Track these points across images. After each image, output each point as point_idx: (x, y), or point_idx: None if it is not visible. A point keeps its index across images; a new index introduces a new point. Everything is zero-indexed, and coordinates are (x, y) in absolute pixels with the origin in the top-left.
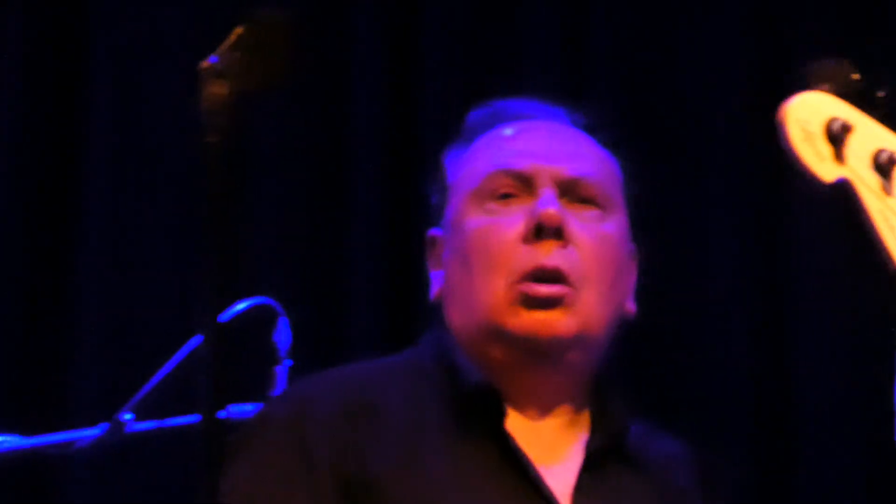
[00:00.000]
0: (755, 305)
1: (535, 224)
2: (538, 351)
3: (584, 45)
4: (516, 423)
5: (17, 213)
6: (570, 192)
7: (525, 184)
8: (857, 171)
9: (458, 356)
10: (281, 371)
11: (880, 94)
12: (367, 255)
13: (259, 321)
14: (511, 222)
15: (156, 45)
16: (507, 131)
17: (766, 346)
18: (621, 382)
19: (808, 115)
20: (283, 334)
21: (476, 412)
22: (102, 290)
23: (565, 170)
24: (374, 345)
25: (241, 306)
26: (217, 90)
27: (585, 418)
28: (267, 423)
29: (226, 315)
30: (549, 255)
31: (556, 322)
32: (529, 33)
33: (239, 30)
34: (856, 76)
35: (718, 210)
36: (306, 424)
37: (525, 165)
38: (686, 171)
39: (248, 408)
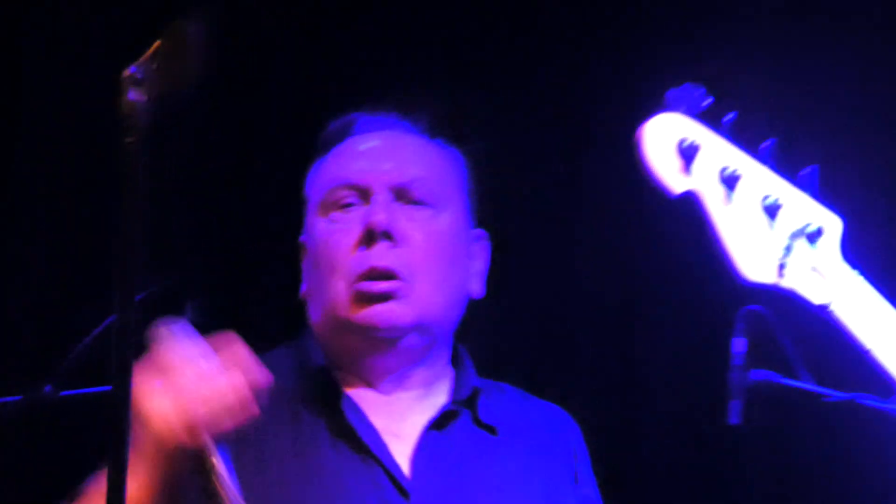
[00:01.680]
0: (612, 298)
1: (365, 230)
2: (378, 338)
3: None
4: (369, 399)
5: None
6: (403, 195)
7: (362, 193)
8: (704, 183)
9: (311, 346)
10: None
11: (727, 117)
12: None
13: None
14: (349, 230)
15: (81, 52)
16: (350, 145)
17: (619, 333)
18: (481, 353)
19: (662, 134)
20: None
21: (318, 392)
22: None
23: (396, 176)
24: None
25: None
26: (136, 97)
27: (446, 388)
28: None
29: (140, 295)
30: (380, 256)
31: (391, 312)
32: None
33: (157, 43)
34: (707, 100)
35: (586, 211)
36: None
37: (360, 177)
38: (562, 172)
39: None
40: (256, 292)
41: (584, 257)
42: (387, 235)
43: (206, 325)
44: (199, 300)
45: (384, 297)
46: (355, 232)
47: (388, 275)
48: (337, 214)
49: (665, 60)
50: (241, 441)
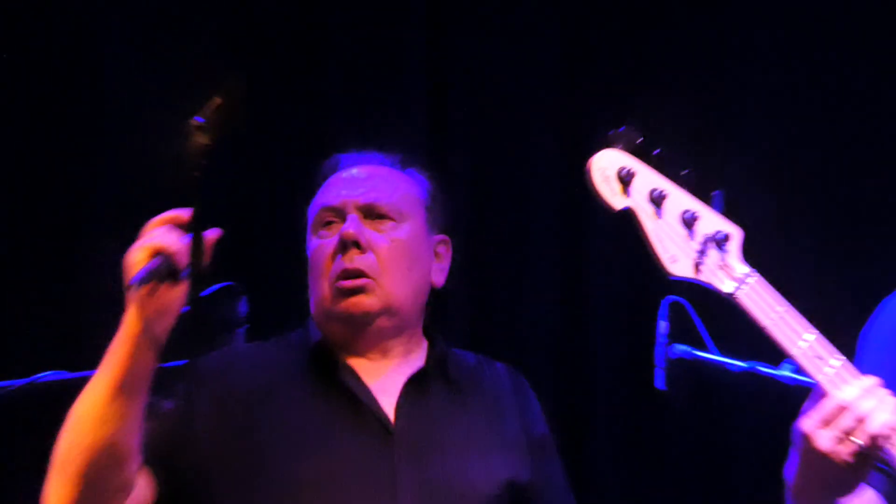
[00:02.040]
0: (564, 283)
1: (339, 241)
2: (355, 322)
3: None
4: (362, 367)
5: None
6: (370, 212)
7: (339, 213)
8: (638, 202)
9: (311, 328)
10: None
11: (655, 152)
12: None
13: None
14: (330, 243)
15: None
16: (334, 178)
17: (573, 317)
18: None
19: (606, 164)
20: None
21: (320, 361)
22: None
23: (363, 198)
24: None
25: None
26: (200, 140)
27: (421, 355)
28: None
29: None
30: (351, 261)
31: (361, 303)
32: None
33: (218, 100)
34: (640, 139)
35: (538, 221)
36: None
37: (337, 201)
38: (516, 202)
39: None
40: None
41: (545, 268)
42: (356, 244)
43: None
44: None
45: (356, 291)
46: (333, 243)
47: (357, 274)
48: (323, 232)
49: (609, 109)
50: (266, 396)
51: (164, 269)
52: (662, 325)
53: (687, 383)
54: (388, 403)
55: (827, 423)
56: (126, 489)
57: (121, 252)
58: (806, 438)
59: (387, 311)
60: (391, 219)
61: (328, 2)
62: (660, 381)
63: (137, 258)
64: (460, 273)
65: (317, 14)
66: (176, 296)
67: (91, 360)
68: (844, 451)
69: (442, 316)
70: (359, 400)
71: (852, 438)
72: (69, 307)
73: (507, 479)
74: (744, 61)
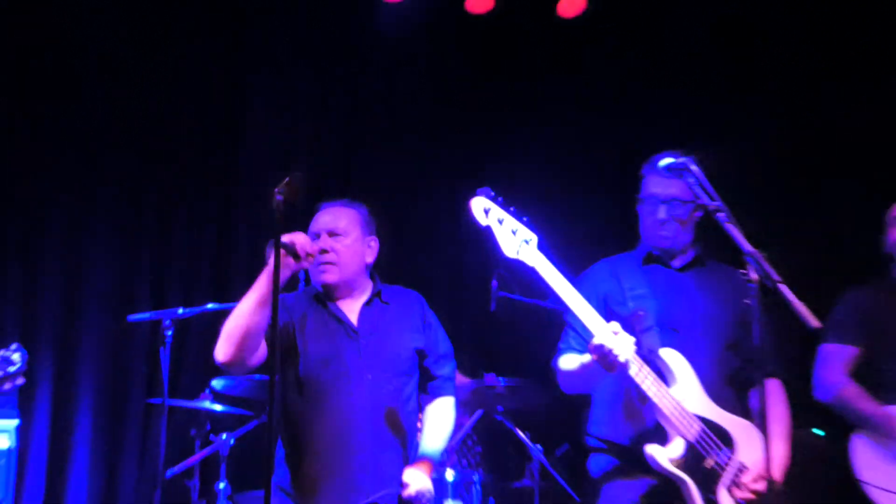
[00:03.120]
0: (445, 266)
1: (319, 250)
2: (328, 286)
3: None
4: (345, 304)
5: None
6: (332, 232)
7: (316, 234)
8: (493, 224)
9: (317, 287)
10: None
11: (499, 199)
12: None
13: None
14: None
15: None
16: (317, 214)
17: (453, 283)
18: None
19: (479, 204)
20: None
21: (321, 301)
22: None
23: (326, 225)
24: None
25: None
26: (280, 201)
27: (368, 291)
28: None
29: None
30: (324, 256)
31: (328, 276)
32: None
33: (287, 180)
34: (495, 195)
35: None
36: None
37: (313, 227)
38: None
39: None
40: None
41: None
42: (324, 251)
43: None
44: None
45: (325, 271)
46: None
47: (330, 261)
48: (314, 240)
49: (481, 175)
50: (302, 316)
51: (292, 250)
52: (494, 283)
53: (509, 311)
54: (353, 317)
55: (599, 354)
56: (257, 350)
57: (256, 226)
58: (588, 363)
59: (342, 279)
60: (339, 234)
61: None
62: (492, 306)
63: (285, 240)
64: (383, 250)
65: None
66: (292, 263)
67: (236, 295)
68: (605, 364)
69: (378, 270)
70: (339, 317)
71: (609, 361)
72: (223, 261)
73: (414, 347)
74: None
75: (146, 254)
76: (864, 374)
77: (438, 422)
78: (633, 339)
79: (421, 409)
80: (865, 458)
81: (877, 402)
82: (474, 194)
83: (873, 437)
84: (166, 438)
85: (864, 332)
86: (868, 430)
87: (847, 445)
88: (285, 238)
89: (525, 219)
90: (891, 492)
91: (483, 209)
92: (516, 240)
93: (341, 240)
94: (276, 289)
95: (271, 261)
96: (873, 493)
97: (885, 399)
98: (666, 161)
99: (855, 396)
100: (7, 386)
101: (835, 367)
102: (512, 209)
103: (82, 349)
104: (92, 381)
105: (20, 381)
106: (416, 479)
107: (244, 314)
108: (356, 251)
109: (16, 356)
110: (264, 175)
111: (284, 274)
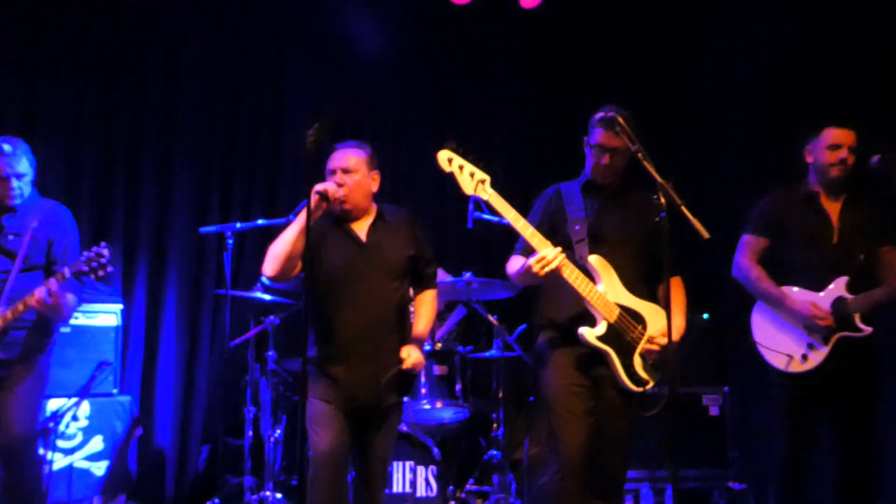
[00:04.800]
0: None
1: (335, 181)
2: (344, 210)
3: None
4: (357, 224)
5: None
6: (346, 170)
7: (333, 171)
8: (456, 171)
9: (336, 211)
10: None
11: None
12: None
13: None
14: (332, 182)
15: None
16: (332, 154)
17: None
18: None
19: (445, 155)
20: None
21: (338, 221)
22: None
23: (339, 164)
24: None
25: None
26: (311, 142)
27: (374, 213)
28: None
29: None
30: (341, 188)
31: (344, 204)
32: None
33: (317, 125)
34: (458, 146)
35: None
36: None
37: (332, 165)
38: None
39: None
40: None
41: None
42: (341, 184)
43: None
44: None
45: (342, 202)
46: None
47: (344, 193)
48: (331, 177)
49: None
50: (323, 234)
51: (324, 196)
52: (470, 206)
53: (479, 225)
54: (363, 234)
55: (537, 262)
56: (294, 267)
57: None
58: (529, 266)
59: (354, 205)
60: (351, 172)
61: None
62: (469, 224)
63: (319, 188)
64: (386, 182)
65: None
66: (325, 205)
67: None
68: (542, 272)
69: (382, 196)
70: (352, 234)
71: (545, 268)
72: (272, 186)
73: (407, 254)
74: None
75: (216, 178)
76: (771, 260)
77: (425, 308)
78: (560, 250)
79: (412, 299)
80: (760, 325)
81: (775, 283)
82: (441, 148)
83: (769, 309)
84: (230, 319)
85: (772, 228)
86: (767, 304)
87: (749, 318)
88: (319, 187)
89: (481, 164)
90: (774, 350)
91: (447, 159)
92: (473, 180)
93: (352, 176)
94: (308, 224)
95: (311, 200)
96: (762, 351)
97: (785, 280)
98: (604, 115)
99: (758, 277)
100: (101, 273)
101: (746, 253)
102: (470, 157)
103: (169, 252)
104: (176, 276)
105: (110, 269)
106: (412, 355)
107: (287, 241)
108: (363, 184)
109: (105, 251)
110: (302, 120)
111: (317, 214)
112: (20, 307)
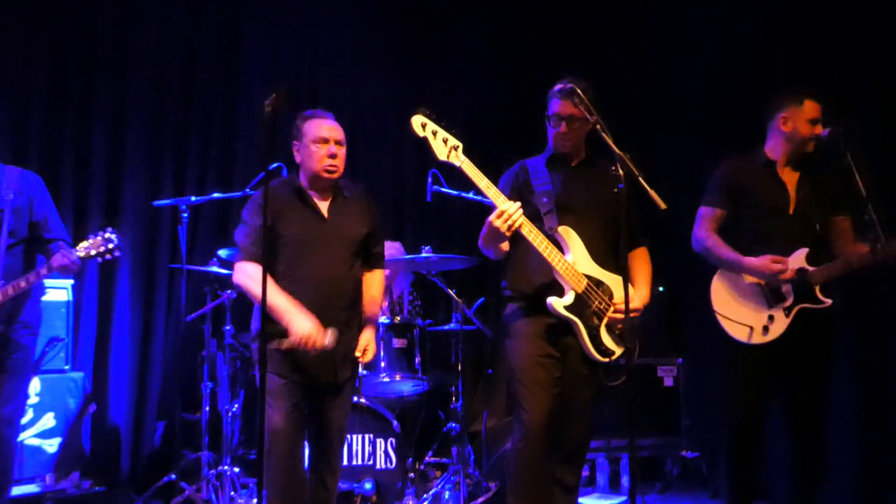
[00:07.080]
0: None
1: (329, 152)
2: (320, 181)
3: None
4: (318, 198)
5: None
6: (339, 142)
7: (325, 140)
8: (430, 135)
9: (301, 178)
10: None
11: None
12: None
13: None
14: (325, 150)
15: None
16: (318, 122)
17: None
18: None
19: (419, 119)
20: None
21: (301, 193)
22: None
23: (335, 136)
24: None
25: None
26: (269, 111)
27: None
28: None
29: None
30: (333, 158)
31: (334, 176)
32: None
33: (275, 95)
34: (430, 112)
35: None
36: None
37: (324, 135)
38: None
39: None
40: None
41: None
42: (334, 155)
43: None
44: None
45: (331, 171)
46: (328, 151)
47: (335, 165)
48: (320, 144)
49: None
50: (284, 205)
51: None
52: (429, 180)
53: (437, 199)
54: (324, 208)
55: (498, 216)
56: None
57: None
58: (491, 222)
59: (338, 178)
60: (342, 145)
61: None
62: (427, 198)
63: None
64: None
65: None
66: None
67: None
68: (503, 227)
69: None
70: (314, 207)
71: (507, 223)
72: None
73: (361, 231)
74: None
75: (169, 150)
76: (731, 230)
77: (373, 290)
78: (520, 205)
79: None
80: (721, 295)
81: (735, 251)
82: (414, 112)
83: (729, 278)
84: (185, 293)
85: (730, 197)
86: (726, 269)
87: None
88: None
89: (454, 131)
90: (734, 321)
91: (421, 124)
92: (447, 147)
93: (343, 149)
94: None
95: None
96: (722, 321)
97: (743, 249)
98: (563, 87)
99: (715, 244)
100: (108, 257)
101: (704, 225)
102: (443, 123)
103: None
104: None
105: (117, 253)
106: (370, 346)
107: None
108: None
109: (112, 236)
110: (258, 90)
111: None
112: (23, 284)
